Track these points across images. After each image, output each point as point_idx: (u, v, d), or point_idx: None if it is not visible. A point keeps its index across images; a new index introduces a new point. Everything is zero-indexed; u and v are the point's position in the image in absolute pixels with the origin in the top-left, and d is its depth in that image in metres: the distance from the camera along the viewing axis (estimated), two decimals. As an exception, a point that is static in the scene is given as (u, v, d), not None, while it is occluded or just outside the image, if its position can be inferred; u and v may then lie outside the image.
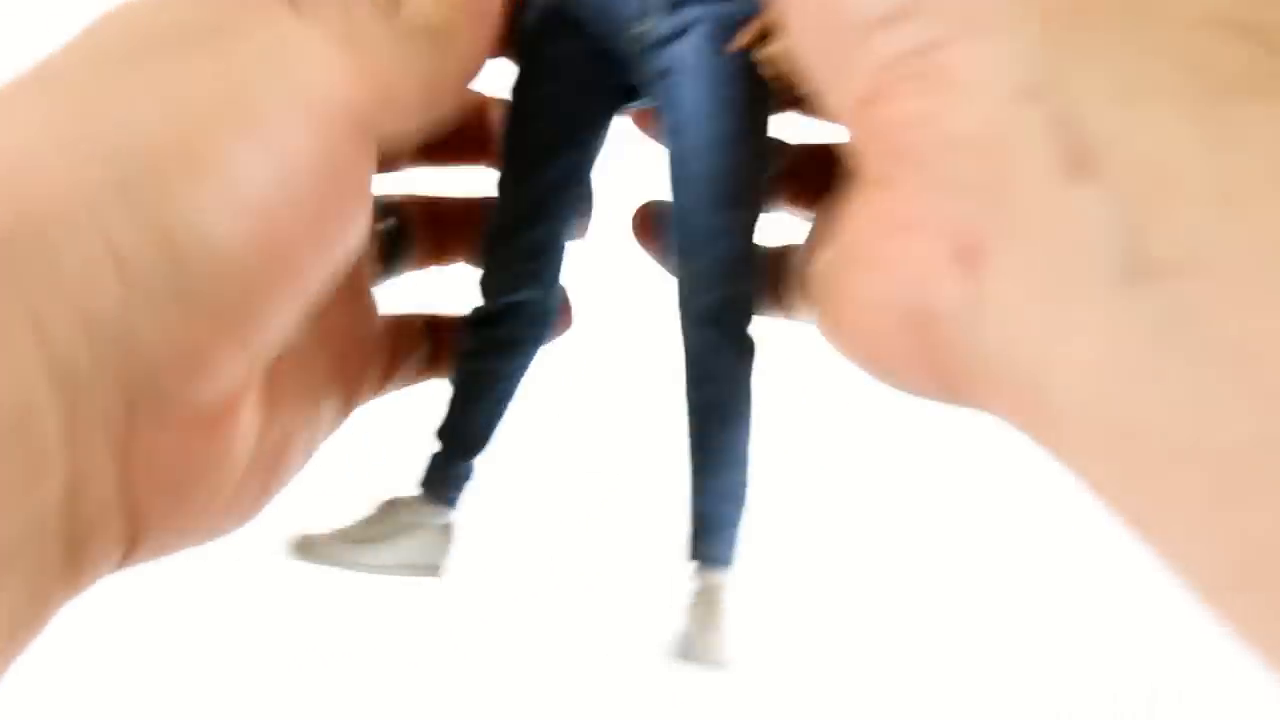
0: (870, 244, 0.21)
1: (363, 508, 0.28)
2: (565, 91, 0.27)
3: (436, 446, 0.29)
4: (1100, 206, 0.16)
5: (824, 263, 0.24)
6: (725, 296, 0.26)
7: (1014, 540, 0.62)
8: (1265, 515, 0.15)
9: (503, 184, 0.28)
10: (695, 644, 0.25)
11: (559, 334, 0.30)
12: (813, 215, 0.30)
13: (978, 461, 0.62)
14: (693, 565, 0.26)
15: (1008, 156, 0.17)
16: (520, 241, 0.27)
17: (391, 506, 0.28)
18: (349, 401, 0.29)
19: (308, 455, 0.27)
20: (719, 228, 0.26)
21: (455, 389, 0.28)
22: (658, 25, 0.25)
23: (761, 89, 0.26)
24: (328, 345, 0.28)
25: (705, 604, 0.26)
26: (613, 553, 0.61)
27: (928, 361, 0.20)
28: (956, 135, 0.18)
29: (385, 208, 0.31)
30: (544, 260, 0.28)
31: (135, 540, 0.21)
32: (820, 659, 0.59)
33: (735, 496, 0.27)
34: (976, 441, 0.60)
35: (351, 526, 0.27)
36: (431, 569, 0.28)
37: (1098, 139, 0.17)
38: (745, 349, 0.27)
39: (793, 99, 0.25)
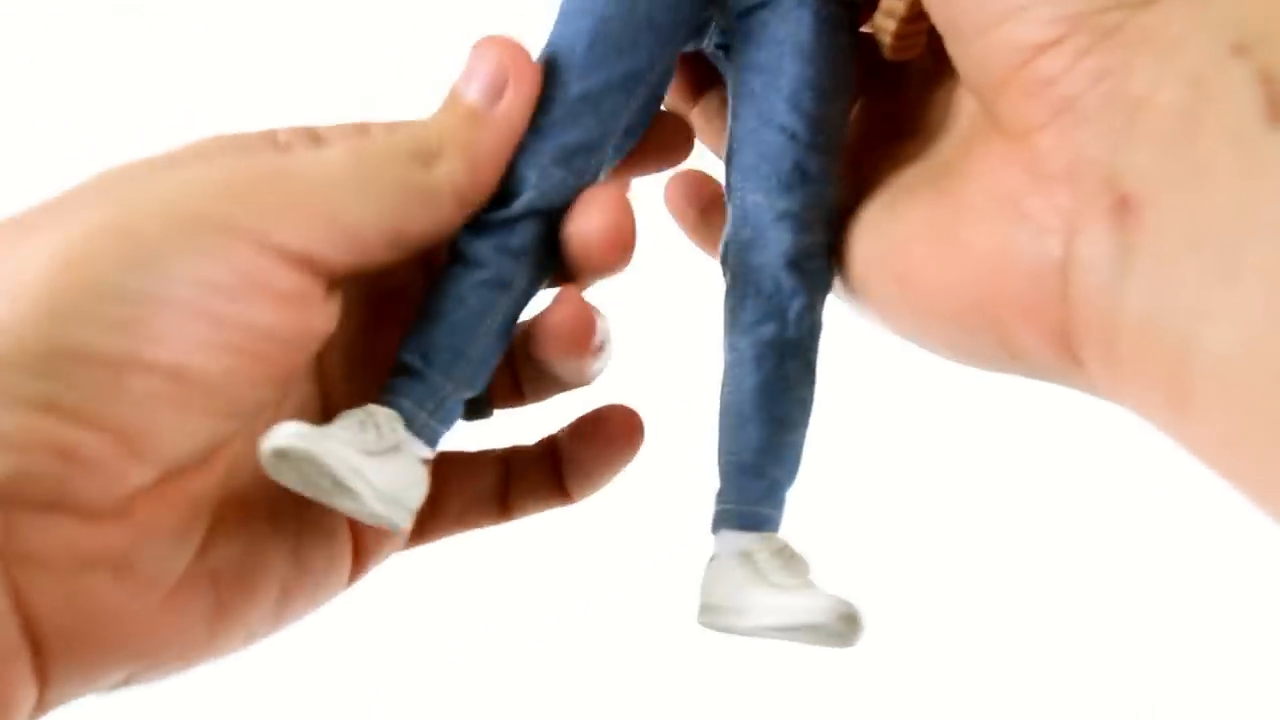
0: (1005, 196, 0.21)
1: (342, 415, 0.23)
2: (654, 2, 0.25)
3: (418, 370, 0.24)
4: None
5: (912, 220, 0.23)
6: (819, 241, 0.25)
7: (1016, 550, 0.62)
8: None
9: (550, 79, 0.25)
10: (810, 609, 0.22)
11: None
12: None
13: (980, 468, 0.62)
14: (740, 532, 0.24)
15: (1205, 108, 0.18)
16: (562, 142, 0.25)
17: (371, 417, 0.23)
18: (302, 585, 0.26)
19: (257, 627, 0.25)
20: (821, 173, 0.25)
21: (448, 303, 0.24)
22: None
23: (855, 41, 0.25)
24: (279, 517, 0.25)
25: (789, 563, 0.24)
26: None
27: (1050, 318, 0.20)
28: (1143, 90, 0.19)
29: None
30: (583, 166, 0.25)
31: (46, 659, 0.21)
32: (819, 659, 0.57)
33: (796, 457, 0.25)
34: (979, 447, 0.62)
35: (342, 428, 0.22)
36: (401, 510, 0.23)
37: None
38: (824, 300, 0.26)
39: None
